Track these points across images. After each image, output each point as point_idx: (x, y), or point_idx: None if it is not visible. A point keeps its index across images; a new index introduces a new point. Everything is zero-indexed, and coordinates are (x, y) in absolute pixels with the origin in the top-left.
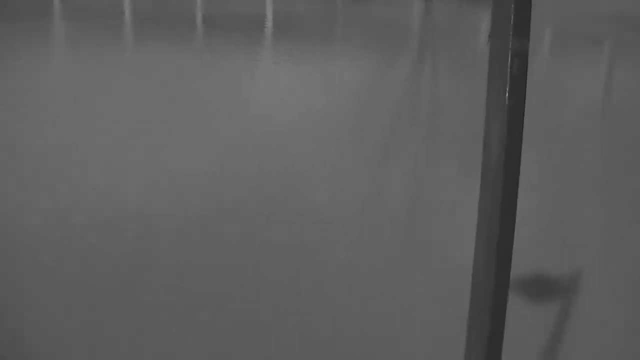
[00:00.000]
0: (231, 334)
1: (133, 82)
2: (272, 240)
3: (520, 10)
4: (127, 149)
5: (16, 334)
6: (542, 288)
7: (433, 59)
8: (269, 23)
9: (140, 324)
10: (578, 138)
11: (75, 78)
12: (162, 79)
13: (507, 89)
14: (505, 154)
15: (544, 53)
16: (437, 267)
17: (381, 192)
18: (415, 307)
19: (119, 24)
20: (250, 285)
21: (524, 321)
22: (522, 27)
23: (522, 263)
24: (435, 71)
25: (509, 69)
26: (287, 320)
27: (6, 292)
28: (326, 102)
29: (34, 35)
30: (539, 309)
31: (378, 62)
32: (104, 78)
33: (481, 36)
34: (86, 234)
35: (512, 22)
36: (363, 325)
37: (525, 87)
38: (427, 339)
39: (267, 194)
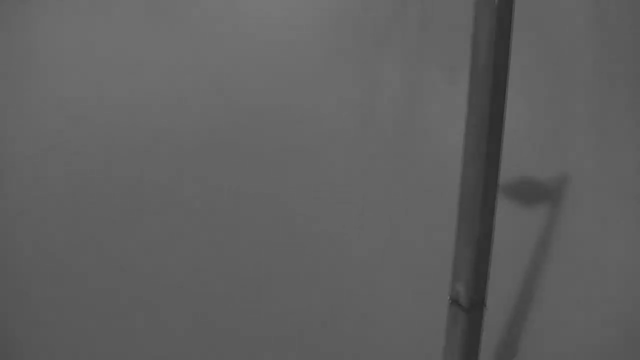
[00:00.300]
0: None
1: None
2: (268, 154)
3: None
4: (116, 66)
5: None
6: (530, 192)
7: None
8: None
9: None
10: (569, 42)
11: None
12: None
13: None
14: (494, 54)
15: None
16: (427, 170)
17: (372, 97)
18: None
19: None
20: (247, 213)
21: (512, 225)
22: None
23: (511, 167)
24: None
25: None
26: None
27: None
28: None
29: None
30: (527, 213)
31: None
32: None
33: None
34: (85, 153)
35: None
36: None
37: None
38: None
39: (260, 104)
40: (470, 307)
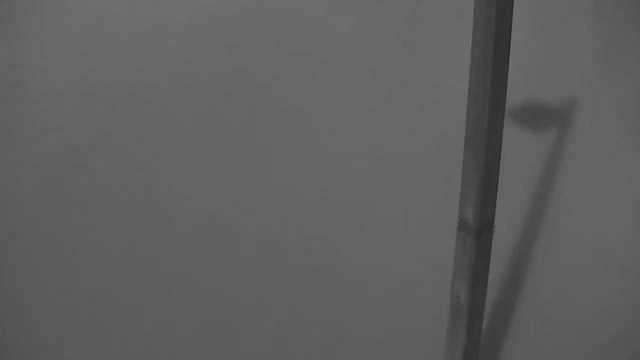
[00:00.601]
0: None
1: None
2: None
3: None
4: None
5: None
6: (537, 116)
7: None
8: None
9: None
10: None
11: None
12: None
13: None
14: None
15: None
16: (429, 103)
17: (375, 38)
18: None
19: None
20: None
21: (520, 150)
22: None
23: (518, 92)
24: None
25: None
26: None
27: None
28: None
29: None
30: (534, 137)
31: None
32: None
33: None
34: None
35: None
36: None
37: None
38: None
39: (259, 48)
40: (479, 229)
